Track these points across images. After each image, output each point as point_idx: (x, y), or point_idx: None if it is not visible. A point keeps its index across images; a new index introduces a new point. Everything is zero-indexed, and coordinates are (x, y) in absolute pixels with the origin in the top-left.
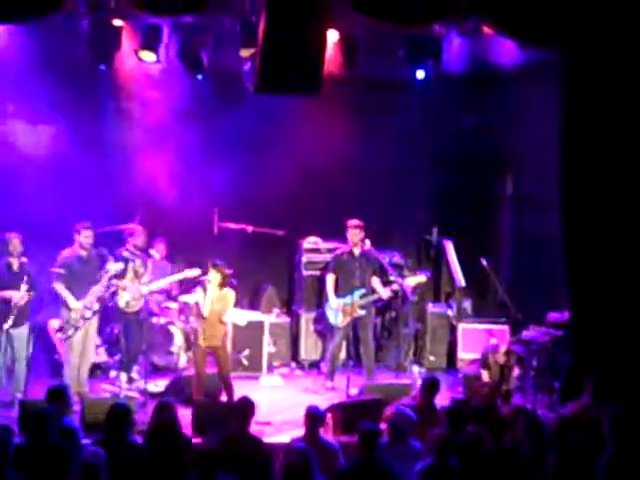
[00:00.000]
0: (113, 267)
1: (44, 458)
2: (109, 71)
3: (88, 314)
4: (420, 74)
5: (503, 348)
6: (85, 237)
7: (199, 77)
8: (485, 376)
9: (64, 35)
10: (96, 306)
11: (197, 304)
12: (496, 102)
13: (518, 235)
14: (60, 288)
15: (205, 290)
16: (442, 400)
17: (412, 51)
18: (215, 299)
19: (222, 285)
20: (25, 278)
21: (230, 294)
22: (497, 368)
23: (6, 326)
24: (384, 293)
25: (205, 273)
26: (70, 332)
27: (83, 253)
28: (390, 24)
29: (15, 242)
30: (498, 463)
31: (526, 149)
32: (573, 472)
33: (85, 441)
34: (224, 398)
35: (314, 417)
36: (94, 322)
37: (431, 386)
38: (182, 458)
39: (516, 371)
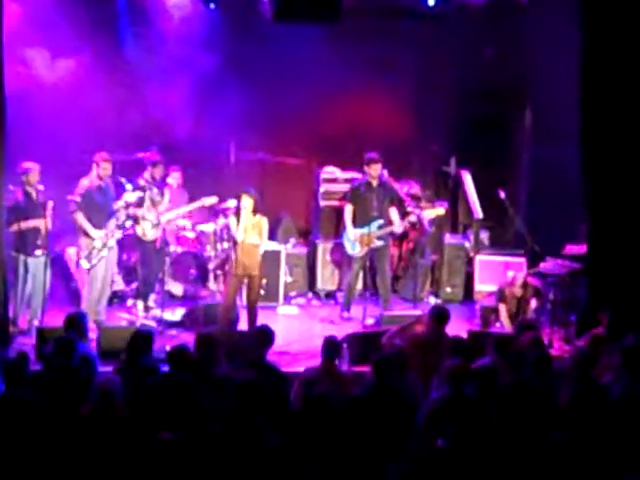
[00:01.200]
0: (128, 197)
1: (63, 384)
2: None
3: (112, 242)
4: (431, 0)
5: (520, 280)
6: (104, 169)
7: (211, 6)
8: (502, 309)
9: None
10: (118, 234)
11: (230, 233)
12: (515, 32)
13: (536, 167)
14: (80, 217)
15: (238, 217)
16: (459, 331)
17: None
18: (250, 226)
19: (255, 211)
20: (47, 205)
21: (264, 220)
22: (514, 301)
23: (38, 252)
24: (397, 227)
25: (223, 201)
26: (95, 261)
27: (102, 184)
28: None
29: (34, 172)
30: (513, 395)
31: (545, 80)
32: (587, 411)
33: (102, 369)
34: (243, 326)
35: (331, 348)
36: (114, 252)
37: (439, 315)
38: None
39: (533, 304)
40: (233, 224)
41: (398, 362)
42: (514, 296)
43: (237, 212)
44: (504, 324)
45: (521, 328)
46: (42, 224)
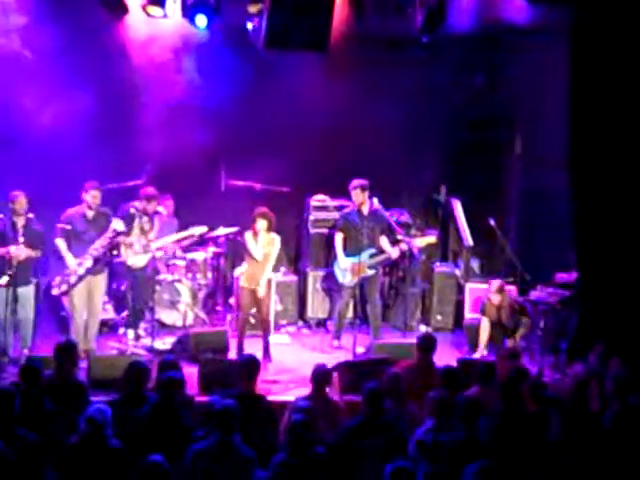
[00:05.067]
0: (115, 225)
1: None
2: (116, 24)
3: (81, 271)
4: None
5: (495, 286)
6: (93, 197)
7: (201, 29)
8: (484, 323)
9: None
10: (89, 263)
11: (247, 249)
12: (505, 61)
13: (527, 195)
14: (60, 243)
15: (255, 236)
16: (449, 360)
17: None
18: (264, 243)
19: (269, 229)
20: (22, 232)
21: (277, 238)
22: (494, 309)
23: (1, 281)
24: (393, 252)
25: (212, 229)
26: (63, 288)
27: (89, 212)
28: None
29: (21, 200)
30: (501, 424)
31: (535, 108)
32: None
33: (92, 398)
34: (232, 355)
35: (321, 376)
36: (102, 280)
37: (426, 344)
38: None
39: (522, 330)
40: (250, 241)
41: (395, 391)
42: (492, 304)
43: (255, 233)
44: (481, 340)
45: (503, 357)
46: (13, 250)
